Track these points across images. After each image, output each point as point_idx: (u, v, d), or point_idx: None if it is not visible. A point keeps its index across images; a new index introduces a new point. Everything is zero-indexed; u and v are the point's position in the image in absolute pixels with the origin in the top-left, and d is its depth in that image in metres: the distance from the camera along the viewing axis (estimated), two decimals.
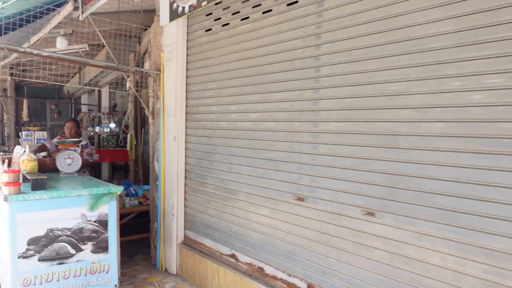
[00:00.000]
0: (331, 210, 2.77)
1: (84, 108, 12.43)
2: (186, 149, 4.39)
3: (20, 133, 8.83)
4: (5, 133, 13.08)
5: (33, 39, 4.69)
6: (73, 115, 13.76)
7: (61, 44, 5.49)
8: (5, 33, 3.82)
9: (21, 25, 3.92)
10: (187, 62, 4.38)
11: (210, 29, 4.01)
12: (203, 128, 4.13)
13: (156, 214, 4.67)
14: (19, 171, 3.40)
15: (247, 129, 3.53)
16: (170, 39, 4.48)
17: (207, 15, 4.04)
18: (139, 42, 6.56)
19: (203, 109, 4.14)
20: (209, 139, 4.03)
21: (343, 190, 2.69)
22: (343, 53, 2.69)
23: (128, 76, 7.37)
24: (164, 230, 4.54)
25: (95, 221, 3.61)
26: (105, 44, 4.44)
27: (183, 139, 4.39)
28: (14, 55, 6.65)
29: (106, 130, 9.29)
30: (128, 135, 6.37)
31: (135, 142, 6.31)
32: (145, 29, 6.31)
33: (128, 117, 6.35)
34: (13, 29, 3.81)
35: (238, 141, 3.63)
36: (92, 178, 4.37)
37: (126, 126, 6.45)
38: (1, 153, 5.58)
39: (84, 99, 12.39)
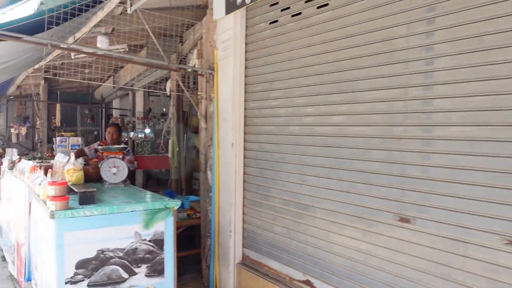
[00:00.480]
0: (452, 236, 2.22)
1: (115, 113, 12.14)
2: (245, 157, 3.90)
3: (54, 139, 8.55)
4: (36, 138, 12.91)
5: (75, 36, 4.30)
6: (104, 120, 13.51)
7: (101, 43, 5.10)
8: (48, 28, 3.41)
9: (65, 19, 3.52)
10: (245, 60, 3.91)
11: (276, 21, 3.52)
12: (266, 134, 3.64)
13: (210, 230, 4.18)
14: (65, 183, 2.97)
15: (327, 134, 3.01)
16: (226, 35, 4.01)
17: (271, 5, 3.56)
18: (181, 42, 6.13)
19: (266, 112, 3.65)
20: (275, 146, 3.53)
21: (471, 211, 2.14)
22: (469, 40, 2.16)
23: (167, 79, 6.97)
24: (219, 248, 4.05)
25: (150, 240, 3.14)
26: (154, 40, 4.01)
27: (241, 146, 3.91)
28: (50, 56, 6.31)
29: (141, 136, 8.92)
30: (170, 141, 5.95)
31: (177, 149, 5.88)
32: (187, 28, 5.89)
33: (169, 121, 5.93)
34: (57, 24, 3.39)
35: (314, 148, 3.12)
36: (141, 189, 3.93)
37: (167, 132, 6.02)
38: (37, 160, 5.23)
39: (115, 103, 12.09)
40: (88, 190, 3.10)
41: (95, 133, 13.48)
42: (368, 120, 2.71)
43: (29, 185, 3.87)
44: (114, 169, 4.07)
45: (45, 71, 8.08)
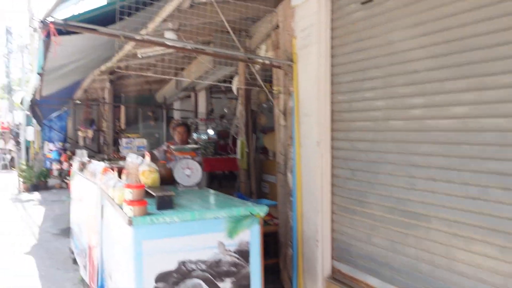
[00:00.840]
0: None
1: (176, 115, 12.09)
2: (333, 157, 3.46)
3: (119, 141, 8.54)
4: (101, 141, 13.17)
5: (143, 31, 4.07)
6: (165, 123, 13.55)
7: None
8: (120, 19, 3.16)
9: (137, 9, 3.27)
10: (331, 47, 3.48)
11: (371, 0, 3.06)
12: (359, 130, 3.18)
13: (291, 238, 3.78)
14: (144, 186, 2.67)
15: (445, 129, 2.50)
16: (307, 21, 3.60)
17: None
18: (248, 36, 5.79)
19: (359, 106, 3.19)
20: (370, 144, 3.06)
21: None
22: None
23: (231, 79, 6.67)
24: (303, 259, 3.63)
25: (234, 251, 2.78)
26: (230, 31, 3.68)
27: (328, 145, 3.47)
28: (117, 57, 6.21)
29: (204, 137, 8.71)
30: (238, 142, 5.62)
31: (246, 150, 5.54)
32: (254, 22, 5.54)
33: (237, 121, 5.60)
34: (129, 14, 3.14)
35: (426, 146, 2.62)
36: (218, 193, 3.59)
37: (235, 132, 5.69)
38: (106, 161, 5.10)
39: (176, 105, 12.05)
40: (166, 194, 2.79)
41: (157, 135, 13.55)
42: (504, 110, 2.18)
43: (101, 187, 3.66)
44: (188, 170, 3.78)
45: (115, 70, 8.07)
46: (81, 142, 12.43)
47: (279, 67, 3.84)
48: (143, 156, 3.52)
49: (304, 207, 3.65)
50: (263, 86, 3.99)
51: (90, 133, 10.87)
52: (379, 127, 2.99)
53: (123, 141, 7.73)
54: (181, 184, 3.74)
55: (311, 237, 3.52)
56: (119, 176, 3.31)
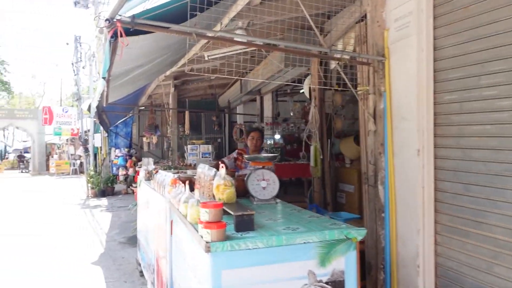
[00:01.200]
0: None
1: (239, 119, 11.84)
2: (436, 168, 2.91)
3: (185, 147, 8.38)
4: (165, 147, 13.21)
5: (220, 25, 3.75)
6: (227, 128, 13.37)
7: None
8: (191, 16, 2.83)
9: (208, 4, 2.93)
10: (434, 38, 2.93)
11: None
12: (475, 136, 2.61)
13: (383, 260, 3.26)
14: (221, 205, 2.29)
15: None
16: (403, 9, 3.08)
17: None
18: (322, 34, 5.33)
19: (473, 106, 2.63)
20: (492, 153, 2.49)
21: None
22: None
23: (300, 80, 6.24)
24: (399, 286, 3.10)
25: (327, 282, 2.33)
26: (314, 28, 3.23)
27: (431, 153, 2.93)
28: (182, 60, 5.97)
29: (270, 142, 8.34)
30: (312, 148, 5.16)
31: (321, 157, 5.07)
32: (329, 18, 5.08)
33: (310, 125, 5.15)
34: (201, 10, 2.81)
35: None
36: (300, 208, 3.15)
37: (308, 137, 5.24)
38: (172, 170, 4.86)
39: (239, 109, 11.80)
40: (245, 213, 2.39)
41: (219, 140, 13.39)
42: None
43: (170, 201, 3.35)
44: (264, 182, 3.38)
45: (175, 79, 7.93)
46: (145, 148, 12.53)
47: (367, 63, 3.34)
48: (216, 167, 3.17)
49: (399, 225, 3.13)
50: (350, 85, 3.51)
51: (154, 139, 10.87)
52: (503, 132, 2.42)
53: (188, 148, 7.51)
54: (256, 198, 3.35)
55: (409, 261, 2.98)
56: (190, 188, 2.97)
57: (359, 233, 2.37)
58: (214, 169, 3.04)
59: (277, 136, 8.20)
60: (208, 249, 2.10)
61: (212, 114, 11.85)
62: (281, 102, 10.45)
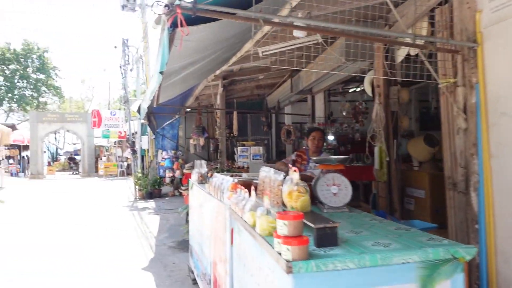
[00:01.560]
0: None
1: (287, 120, 11.47)
2: None
3: (235, 149, 8.11)
4: (211, 148, 13.04)
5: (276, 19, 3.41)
6: (274, 129, 13.04)
7: (298, 31, 4.16)
8: (257, 2, 2.52)
9: None
10: None
11: None
12: None
13: (478, 279, 2.80)
14: (302, 216, 1.94)
15: None
16: None
17: None
18: (387, 25, 4.88)
19: None
20: None
21: None
22: None
23: (355, 78, 5.79)
24: None
25: None
26: (395, 13, 2.82)
27: None
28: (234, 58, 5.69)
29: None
30: (376, 149, 4.74)
31: (387, 159, 4.63)
32: (396, 6, 4.63)
33: (374, 124, 4.72)
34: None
35: None
36: (380, 218, 2.75)
37: (372, 137, 4.80)
38: (225, 173, 4.58)
39: (287, 110, 11.42)
40: (328, 225, 2.03)
41: (266, 142, 13.07)
42: None
43: (231, 208, 3.04)
44: (334, 187, 3.01)
45: (223, 79, 7.68)
46: (192, 150, 12.41)
47: (456, 51, 2.89)
48: (285, 172, 2.83)
49: (498, 239, 2.66)
50: (436, 76, 3.06)
51: (201, 140, 10.71)
52: None
53: (238, 149, 7.23)
54: (326, 205, 2.99)
55: None
56: (250, 193, 2.64)
57: (467, 252, 1.96)
58: (282, 173, 2.70)
59: (331, 137, 7.78)
60: (289, 270, 1.76)
61: (259, 115, 11.54)
62: (333, 102, 10.01)
